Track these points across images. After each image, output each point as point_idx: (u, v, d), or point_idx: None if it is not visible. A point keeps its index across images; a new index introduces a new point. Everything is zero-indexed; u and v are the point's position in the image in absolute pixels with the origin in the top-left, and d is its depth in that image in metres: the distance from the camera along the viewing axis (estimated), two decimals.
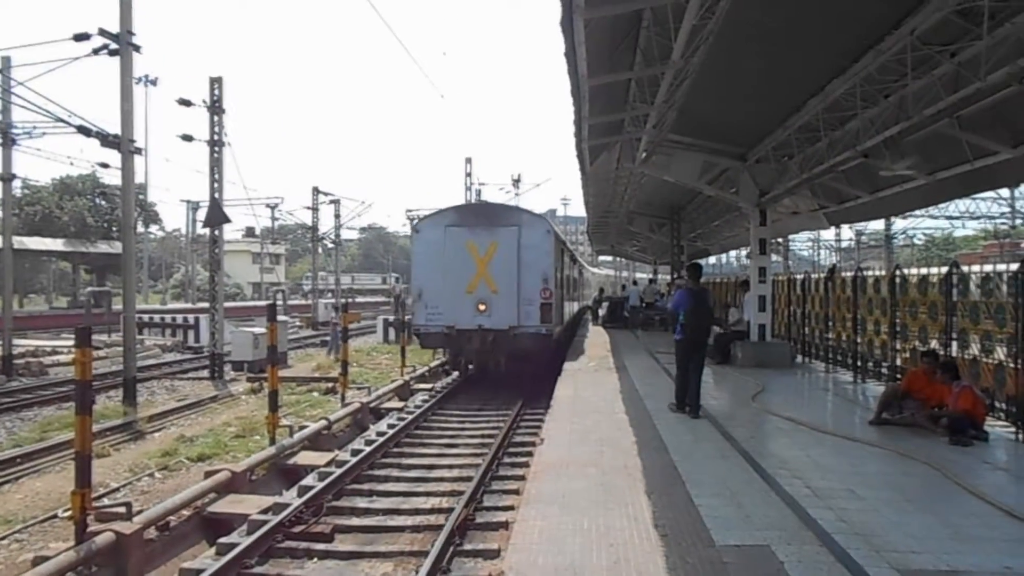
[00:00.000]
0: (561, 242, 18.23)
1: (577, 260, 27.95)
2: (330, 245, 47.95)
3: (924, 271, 10.84)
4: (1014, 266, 8.36)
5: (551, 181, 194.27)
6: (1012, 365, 8.17)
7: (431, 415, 12.96)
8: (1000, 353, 8.52)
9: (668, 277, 30.19)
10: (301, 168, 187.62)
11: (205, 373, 20.83)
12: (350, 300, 42.56)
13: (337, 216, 43.72)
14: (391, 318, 29.76)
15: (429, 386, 16.41)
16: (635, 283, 29.47)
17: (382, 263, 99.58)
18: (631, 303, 25.44)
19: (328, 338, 30.92)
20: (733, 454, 7.37)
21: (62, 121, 15.48)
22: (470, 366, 16.47)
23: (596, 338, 21.38)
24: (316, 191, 41.62)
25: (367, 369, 21.27)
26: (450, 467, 9.61)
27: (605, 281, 54.17)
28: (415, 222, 16.32)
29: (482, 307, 15.22)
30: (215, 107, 20.66)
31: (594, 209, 24.69)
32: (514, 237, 15.37)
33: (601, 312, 27.34)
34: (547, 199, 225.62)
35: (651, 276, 32.92)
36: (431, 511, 7.91)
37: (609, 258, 77.91)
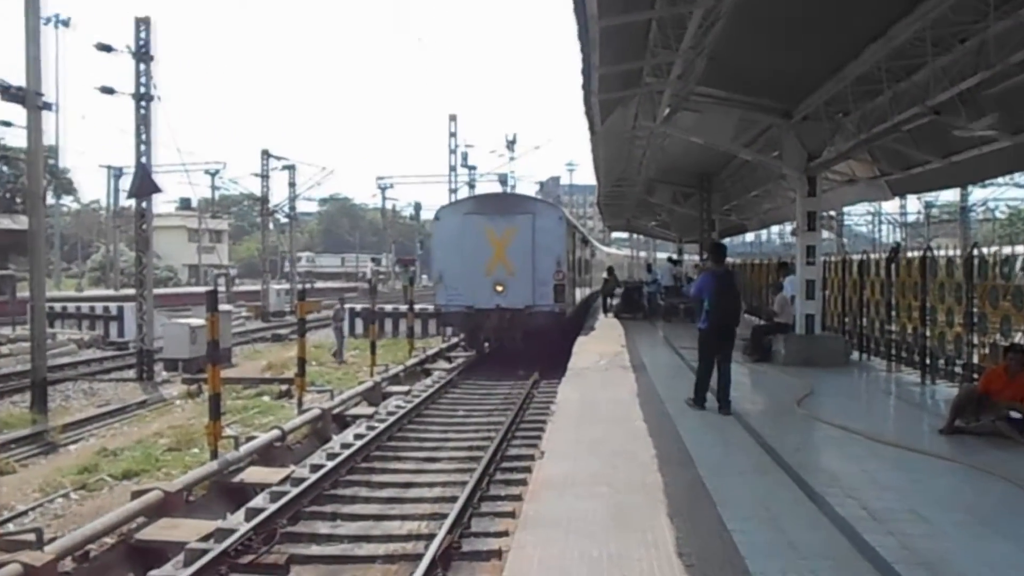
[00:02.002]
0: (573, 227, 22.38)
1: (589, 242, 31.07)
2: (283, 220, 47.91)
3: (1008, 250, 10.85)
4: None
5: (553, 143, 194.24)
6: None
7: (407, 423, 13.04)
8: None
9: (697, 258, 30.30)
10: (248, 128, 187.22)
11: (131, 373, 20.86)
12: (308, 286, 42.54)
13: (292, 185, 43.72)
14: (359, 307, 29.79)
15: (404, 388, 16.54)
16: (673, 260, 29.61)
17: (347, 240, 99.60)
18: (663, 284, 25.59)
19: (281, 331, 31.03)
20: (774, 469, 7.41)
21: None
22: (486, 343, 20.69)
23: (608, 331, 21.48)
24: (266, 155, 41.57)
25: (329, 369, 21.32)
26: (431, 485, 9.67)
27: (621, 263, 54.30)
28: (436, 211, 20.67)
29: (499, 288, 19.45)
30: (142, 53, 20.53)
31: (606, 176, 24.68)
32: (529, 223, 19.55)
33: (611, 301, 27.41)
34: (549, 164, 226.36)
35: (673, 255, 32.95)
36: (407, 537, 7.96)
37: (624, 235, 78.06)
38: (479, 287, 19.46)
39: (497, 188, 54.57)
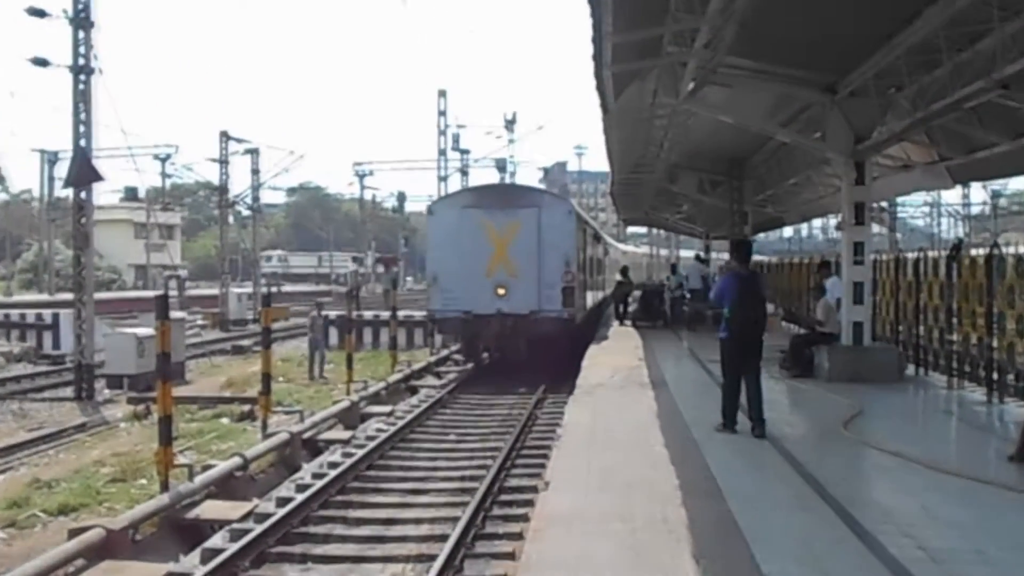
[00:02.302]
0: (584, 221, 22.77)
1: (602, 238, 31.89)
2: (245, 212, 47.99)
3: None
4: None
5: (559, 123, 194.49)
6: None
7: (390, 449, 13.06)
8: None
9: (728, 256, 30.35)
10: (205, 107, 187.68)
11: (69, 392, 20.85)
12: (275, 289, 42.58)
13: (255, 172, 43.76)
14: (333, 314, 29.75)
15: (386, 408, 16.56)
16: (700, 259, 29.69)
17: (319, 236, 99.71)
18: (691, 286, 25.65)
19: (244, 342, 31.02)
20: (816, 502, 7.41)
21: None
22: (485, 354, 21.39)
23: (623, 341, 21.52)
24: (225, 137, 41.63)
25: (299, 386, 21.34)
26: (417, 522, 9.66)
27: (639, 262, 54.40)
28: (430, 205, 21.59)
29: (501, 291, 19.98)
30: (81, 19, 20.54)
31: (621, 162, 24.73)
32: (534, 218, 20.07)
33: (624, 307, 27.43)
34: (554, 147, 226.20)
35: (700, 253, 33.01)
36: None
37: (642, 230, 78.27)
38: (478, 290, 19.95)
39: (494, 176, 54.69)
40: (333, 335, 28.70)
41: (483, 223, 20.20)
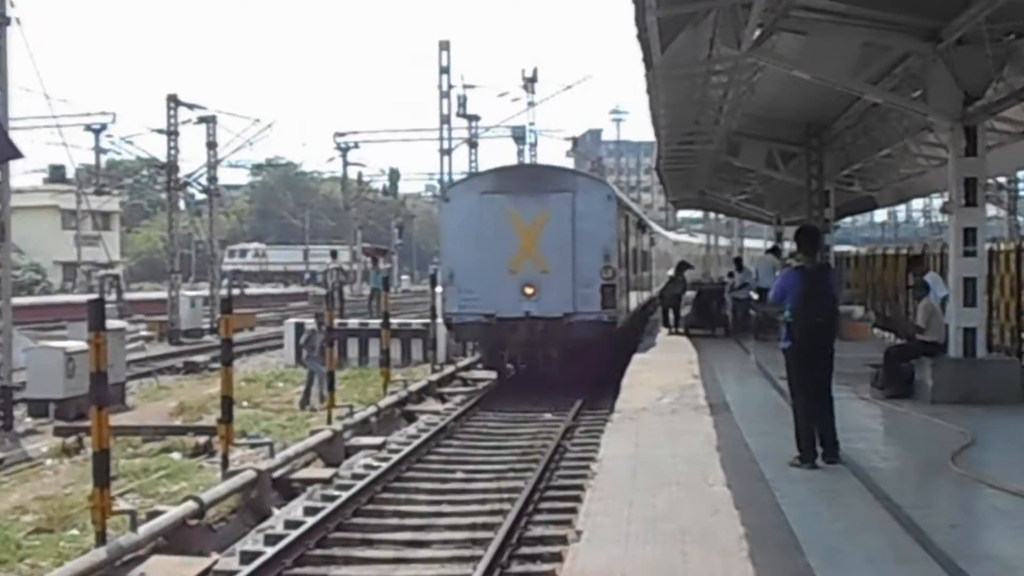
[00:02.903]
0: (626, 208, 23.72)
1: (648, 228, 32.76)
2: (200, 195, 48.12)
3: None
4: None
5: (592, 81, 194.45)
6: None
7: (382, 491, 13.08)
8: None
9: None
10: (149, 67, 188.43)
11: None
12: (239, 291, 42.71)
13: (212, 145, 43.77)
14: (309, 323, 29.84)
15: (377, 440, 16.61)
16: (773, 251, 29.63)
17: (292, 224, 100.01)
18: (761, 285, 25.49)
19: (203, 358, 31.00)
20: (917, 555, 7.39)
21: None
22: (510, 365, 21.99)
23: (673, 353, 21.63)
24: (174, 103, 41.69)
25: (268, 412, 21.43)
26: None
27: (693, 254, 54.34)
28: (446, 190, 23.25)
29: (529, 290, 20.69)
30: None
31: (669, 129, 24.67)
32: (568, 205, 20.87)
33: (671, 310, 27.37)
34: (585, 112, 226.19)
35: (776, 244, 32.90)
36: None
37: (696, 214, 78.07)
38: (502, 290, 20.74)
39: (509, 148, 54.79)
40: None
41: (507, 211, 20.91)
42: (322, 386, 21.78)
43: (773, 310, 21.49)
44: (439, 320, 25.81)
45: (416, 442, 15.79)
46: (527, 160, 56.91)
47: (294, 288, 71.94)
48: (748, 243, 69.58)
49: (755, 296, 25.64)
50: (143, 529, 10.74)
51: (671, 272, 28.95)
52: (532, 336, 20.51)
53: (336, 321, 23.41)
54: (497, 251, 20.75)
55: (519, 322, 20.55)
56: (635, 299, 25.90)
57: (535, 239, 20.84)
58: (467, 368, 25.76)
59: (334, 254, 46.66)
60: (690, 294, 28.39)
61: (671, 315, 27.15)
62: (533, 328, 20.45)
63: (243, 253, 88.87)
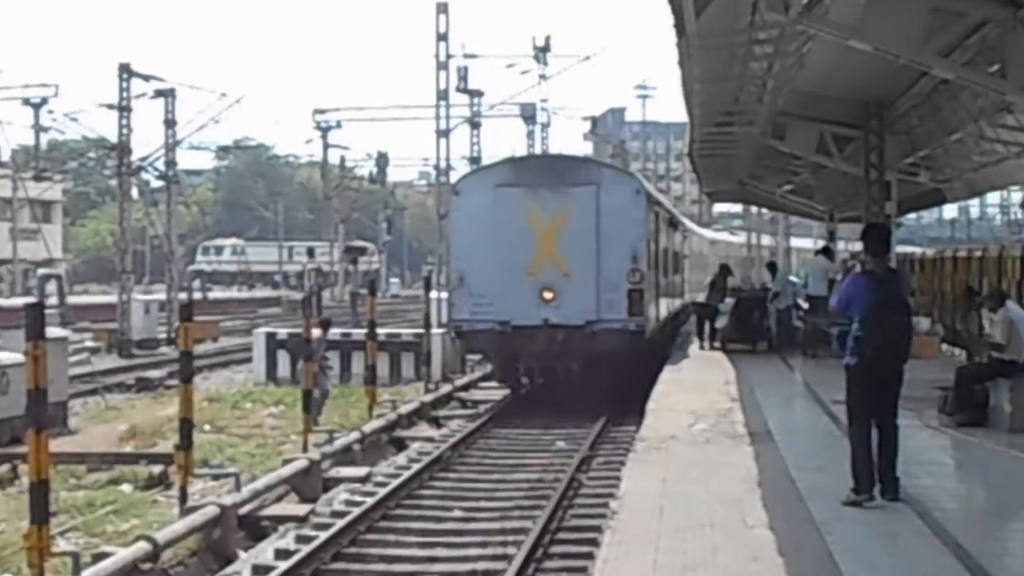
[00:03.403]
0: (656, 204, 24.79)
1: (680, 225, 33.81)
2: (156, 183, 48.04)
3: None
4: None
5: (613, 52, 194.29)
6: None
7: (366, 532, 13.08)
8: None
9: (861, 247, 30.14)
10: (99, 32, 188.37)
11: None
12: (201, 295, 42.64)
13: (170, 123, 43.70)
14: (283, 332, 29.90)
15: (361, 471, 16.58)
16: (824, 252, 29.50)
17: (263, 217, 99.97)
18: (811, 292, 25.45)
19: (158, 373, 30.89)
20: None
21: None
22: (524, 380, 22.68)
23: (706, 370, 21.69)
24: (127, 73, 41.71)
25: (234, 437, 21.42)
26: None
27: (733, 254, 54.35)
28: (455, 182, 24.67)
29: (548, 295, 21.45)
30: None
31: (704, 108, 24.63)
32: (591, 200, 21.63)
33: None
34: (605, 87, 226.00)
35: (827, 244, 32.78)
36: None
37: (735, 208, 77.94)
38: (518, 294, 21.53)
39: (517, 128, 54.69)
40: (283, 362, 28.75)
41: (524, 206, 21.65)
42: (322, 399, 21.52)
43: (833, 321, 21.58)
44: (435, 330, 25.92)
45: (406, 474, 15.75)
46: (538, 144, 56.87)
47: (266, 292, 71.91)
48: (796, 242, 69.23)
49: (803, 305, 25.59)
50: (87, 574, 10.74)
51: (710, 278, 28.84)
52: (551, 346, 21.11)
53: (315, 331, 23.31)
54: (513, 251, 21.47)
55: (537, 331, 21.21)
56: (666, 306, 26.44)
57: (555, 238, 21.49)
58: (467, 387, 25.82)
59: (311, 252, 46.71)
60: (727, 302, 28.37)
61: (706, 327, 27.05)
62: (552, 337, 21.08)
63: (219, 251, 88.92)
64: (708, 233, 57.45)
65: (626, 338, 21.24)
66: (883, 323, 9.64)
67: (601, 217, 21.43)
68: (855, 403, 10.01)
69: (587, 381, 20.82)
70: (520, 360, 21.95)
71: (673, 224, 30.06)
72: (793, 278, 28.55)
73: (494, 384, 25.56)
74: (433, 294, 28.61)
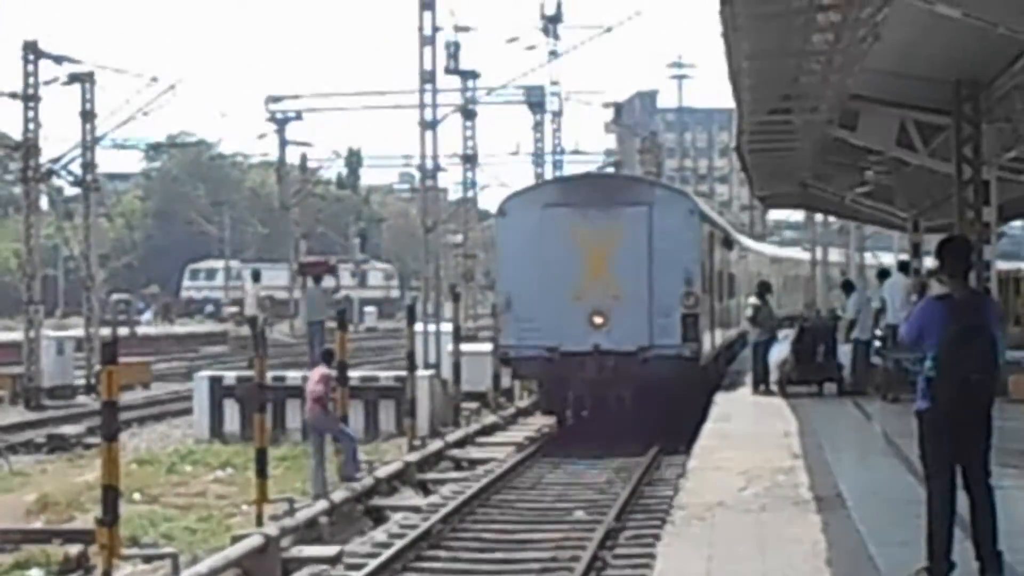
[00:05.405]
0: (711, 224, 28.39)
1: (735, 244, 37.47)
2: (71, 189, 48.01)
3: None
4: None
5: (641, 21, 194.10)
6: None
7: None
8: None
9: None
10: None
11: None
12: (129, 330, 42.44)
13: (89, 115, 43.85)
14: (231, 376, 29.94)
15: (330, 551, 16.62)
16: (903, 268, 30.04)
17: (205, 233, 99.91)
18: (890, 320, 25.39)
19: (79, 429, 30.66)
20: None
21: None
22: (568, 412, 26.16)
23: (761, 421, 21.64)
24: (33, 53, 41.86)
25: (171, 508, 21.44)
26: None
27: (794, 271, 54.48)
28: (501, 203, 27.36)
29: (598, 320, 24.63)
30: None
31: (755, 93, 24.70)
32: (643, 220, 24.68)
33: (776, 354, 27.25)
34: (630, 66, 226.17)
35: (900, 257, 32.83)
36: None
37: (795, 215, 77.78)
38: (567, 319, 24.79)
39: (524, 117, 54.78)
40: (231, 414, 28.70)
41: (573, 227, 24.80)
42: (348, 457, 21.13)
43: (919, 357, 21.50)
44: (421, 373, 26.40)
45: (386, 554, 15.65)
46: (547, 137, 57.21)
47: (208, 327, 71.88)
48: (870, 257, 68.98)
49: (879, 336, 25.53)
50: None
51: (753, 300, 28.64)
52: (600, 374, 24.15)
53: (268, 374, 23.24)
54: (561, 274, 24.69)
55: (586, 357, 24.28)
56: (720, 335, 28.89)
57: (605, 260, 24.33)
58: (462, 443, 25.92)
59: (256, 276, 45.68)
60: (783, 334, 28.37)
61: (759, 367, 26.84)
62: (602, 364, 24.14)
63: (210, 274, 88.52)
64: (768, 249, 57.51)
65: (680, 366, 24.18)
66: (962, 360, 9.39)
67: (653, 238, 24.35)
68: (931, 458, 9.68)
69: (638, 414, 23.37)
70: (569, 388, 25.01)
71: (728, 243, 32.74)
72: (875, 303, 28.23)
73: (496, 439, 26.49)
74: (419, 327, 28.76)
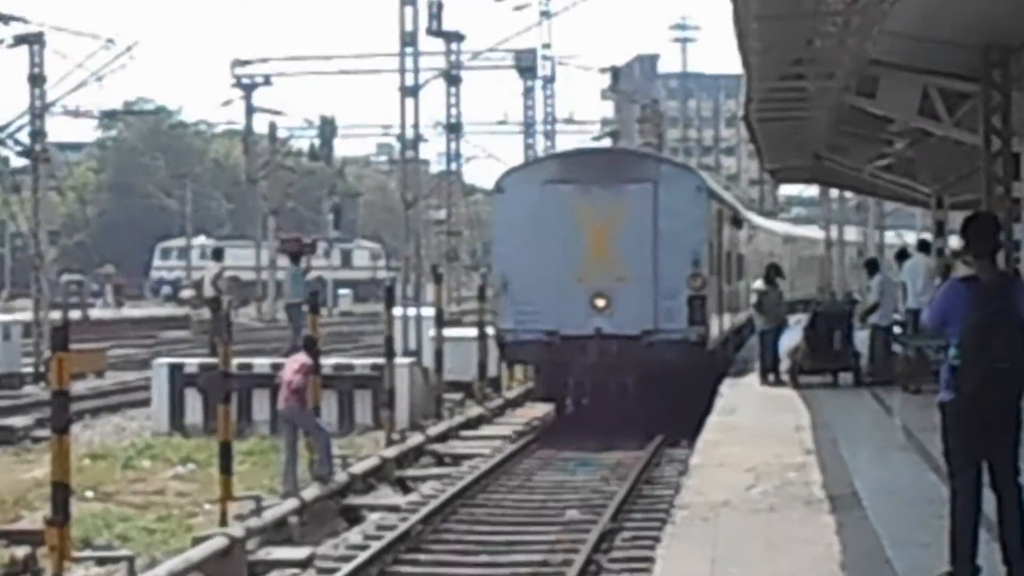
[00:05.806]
0: (719, 201, 29.11)
1: (745, 223, 38.34)
2: (17, 160, 48.03)
3: None
4: None
5: None
6: None
7: None
8: None
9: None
10: None
11: None
12: (81, 314, 42.41)
13: (38, 81, 43.77)
14: (193, 364, 29.78)
15: (301, 553, 16.58)
16: (923, 247, 30.12)
17: (165, 207, 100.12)
18: (911, 305, 25.27)
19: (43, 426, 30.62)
20: None
21: None
22: (568, 400, 26.43)
23: (769, 413, 21.67)
24: None
25: (127, 506, 21.35)
26: None
27: (808, 252, 54.85)
28: (498, 179, 27.44)
29: (600, 302, 25.05)
30: None
31: (765, 57, 24.54)
32: (648, 198, 25.11)
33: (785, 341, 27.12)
34: (629, 29, 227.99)
35: (921, 236, 32.70)
36: None
37: (808, 190, 78.11)
38: (568, 301, 25.13)
39: (513, 83, 54.61)
40: (193, 405, 28.55)
41: (575, 205, 25.19)
42: (323, 455, 21.01)
43: (943, 344, 21.30)
44: (400, 360, 26.31)
45: (361, 557, 15.59)
46: (539, 104, 57.31)
47: (168, 310, 71.92)
48: (892, 236, 68.96)
49: (901, 320, 25.39)
50: None
51: (758, 284, 28.56)
52: (604, 359, 24.30)
53: (234, 361, 23.10)
54: (562, 254, 24.92)
55: (588, 341, 24.61)
56: (728, 319, 29.44)
57: (608, 240, 24.65)
58: (444, 437, 25.96)
59: (218, 254, 45.12)
60: (795, 318, 28.19)
61: (767, 356, 26.72)
62: (605, 349, 24.35)
63: (183, 254, 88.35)
64: (780, 227, 57.76)
65: (686, 350, 24.73)
66: (989, 347, 9.31)
67: (659, 217, 24.76)
68: (954, 454, 9.62)
69: (642, 402, 23.76)
70: (570, 374, 25.34)
71: (737, 222, 33.49)
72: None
73: (482, 433, 26.74)
74: (397, 311, 28.68)
